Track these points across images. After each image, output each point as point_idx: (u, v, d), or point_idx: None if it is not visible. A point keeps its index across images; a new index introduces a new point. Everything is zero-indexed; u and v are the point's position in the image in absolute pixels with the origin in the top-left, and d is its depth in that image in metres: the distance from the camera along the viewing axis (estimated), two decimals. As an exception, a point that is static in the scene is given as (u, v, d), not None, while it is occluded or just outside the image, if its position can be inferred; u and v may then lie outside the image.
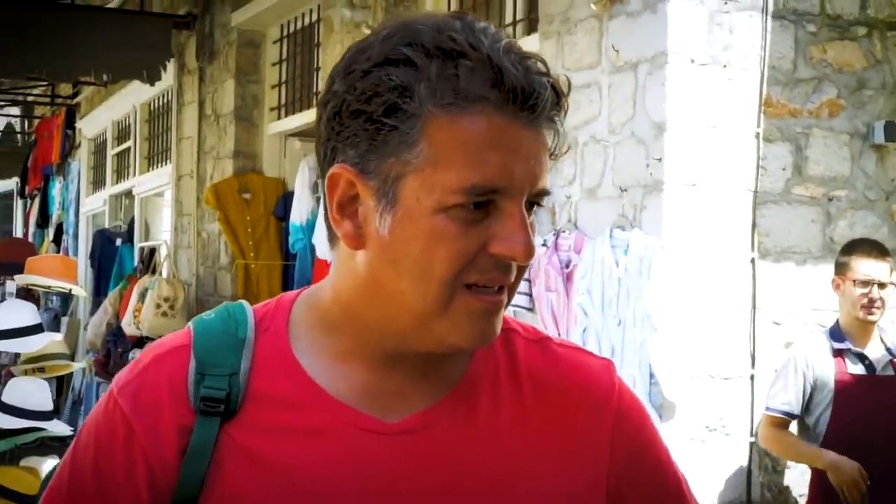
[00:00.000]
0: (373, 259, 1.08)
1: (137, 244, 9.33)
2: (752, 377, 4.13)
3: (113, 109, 10.43)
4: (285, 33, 7.38)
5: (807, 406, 3.99)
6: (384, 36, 1.06)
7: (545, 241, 4.50)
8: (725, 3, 4.06)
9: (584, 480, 1.20)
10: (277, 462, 1.12)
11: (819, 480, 3.69)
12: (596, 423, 1.22)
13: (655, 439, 1.29)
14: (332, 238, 1.14)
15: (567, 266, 4.40)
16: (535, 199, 1.07)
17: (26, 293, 7.49)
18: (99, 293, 9.07)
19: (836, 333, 4.01)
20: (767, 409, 4.00)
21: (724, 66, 4.04)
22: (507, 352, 1.21)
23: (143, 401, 1.13)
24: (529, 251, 1.04)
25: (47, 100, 11.44)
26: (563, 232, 4.45)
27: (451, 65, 1.03)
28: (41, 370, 5.41)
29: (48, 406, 4.60)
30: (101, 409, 1.17)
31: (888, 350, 3.80)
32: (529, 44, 4.79)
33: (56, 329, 9.17)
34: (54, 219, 11.33)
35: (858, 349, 3.74)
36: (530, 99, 1.03)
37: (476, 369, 1.19)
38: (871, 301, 3.66)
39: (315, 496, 1.11)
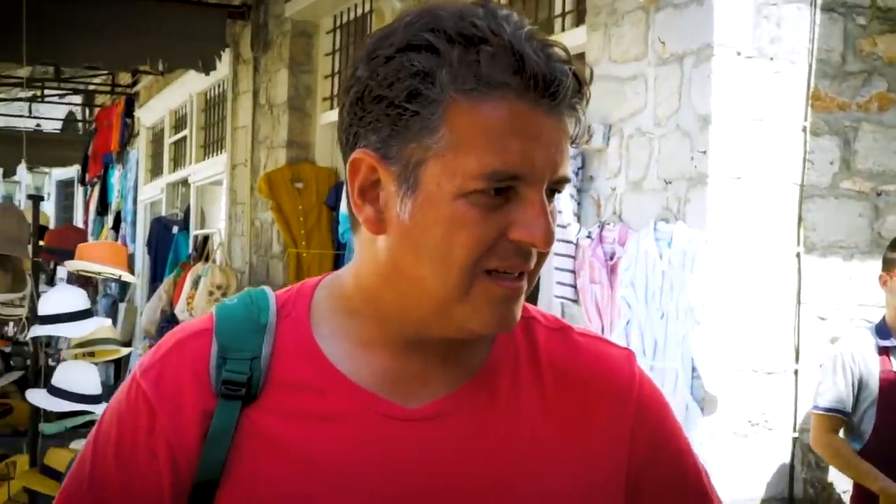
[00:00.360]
0: (394, 244, 1.09)
1: (193, 232, 9.37)
2: (796, 372, 4.09)
3: (170, 98, 10.50)
4: (338, 24, 7.38)
5: (853, 404, 3.95)
6: (407, 22, 1.07)
7: (590, 233, 4.48)
8: (773, -4, 4.00)
9: (605, 469, 1.20)
10: (298, 446, 1.12)
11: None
12: (617, 412, 1.22)
13: (676, 431, 1.29)
14: (354, 224, 1.14)
15: (611, 258, 4.38)
16: (556, 186, 1.08)
17: (85, 280, 7.54)
18: (155, 280, 9.15)
19: (881, 330, 3.95)
20: (816, 407, 3.95)
21: (772, 59, 3.99)
22: (527, 339, 1.22)
23: (165, 385, 1.13)
24: (549, 238, 1.06)
25: (107, 89, 11.48)
26: (608, 224, 4.39)
27: (473, 51, 1.03)
28: (91, 355, 5.38)
29: (97, 390, 4.63)
30: (123, 392, 1.17)
31: None
32: (577, 35, 4.87)
33: (114, 315, 9.27)
34: (113, 206, 11.28)
35: None
36: (552, 86, 1.04)
37: (497, 356, 1.19)
38: None
39: (335, 480, 1.11)
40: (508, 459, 1.16)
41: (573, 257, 4.67)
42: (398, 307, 1.13)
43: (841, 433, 3.96)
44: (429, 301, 1.09)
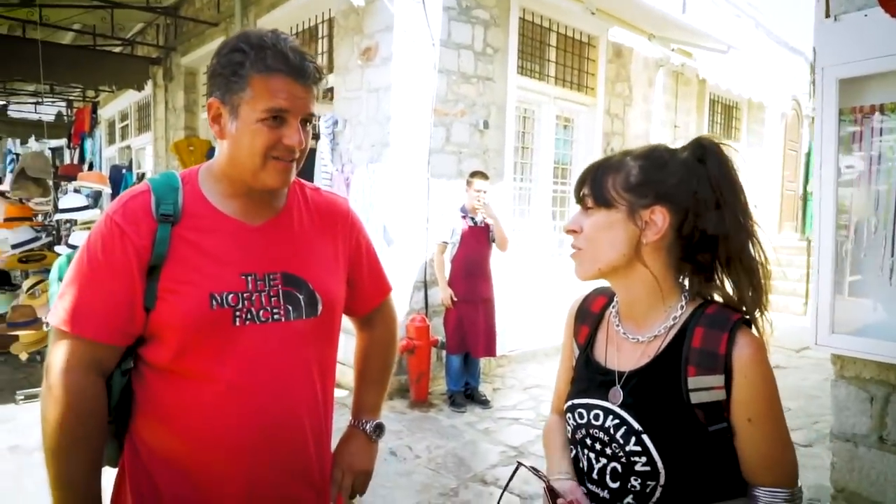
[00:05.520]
0: (230, 145, 1.49)
1: (134, 171, 11.97)
2: (427, 230, 5.70)
3: (119, 104, 13.49)
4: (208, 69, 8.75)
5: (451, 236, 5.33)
6: (234, 37, 1.49)
7: (340, 168, 6.28)
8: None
9: (341, 252, 1.71)
10: (201, 244, 1.52)
11: None
12: (344, 225, 1.74)
13: (368, 238, 1.84)
14: (215, 136, 1.53)
15: (347, 180, 6.24)
16: (307, 118, 1.50)
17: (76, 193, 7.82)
18: (114, 196, 8.88)
19: (464, 209, 5.36)
20: (442, 242, 5.24)
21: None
22: (302, 194, 1.70)
23: (128, 217, 1.50)
24: (301, 143, 1.48)
25: (81, 98, 14.53)
26: (346, 164, 6.27)
27: (263, 52, 1.43)
28: (89, 229, 4.19)
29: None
30: (101, 226, 1.52)
31: None
32: (331, 78, 6.60)
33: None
34: (87, 160, 13.80)
35: None
36: (302, 71, 1.45)
37: (290, 202, 1.64)
38: None
39: (218, 259, 1.52)
40: (301, 247, 1.61)
41: (330, 180, 6.33)
42: (235, 175, 1.53)
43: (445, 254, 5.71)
44: (247, 171, 1.50)
